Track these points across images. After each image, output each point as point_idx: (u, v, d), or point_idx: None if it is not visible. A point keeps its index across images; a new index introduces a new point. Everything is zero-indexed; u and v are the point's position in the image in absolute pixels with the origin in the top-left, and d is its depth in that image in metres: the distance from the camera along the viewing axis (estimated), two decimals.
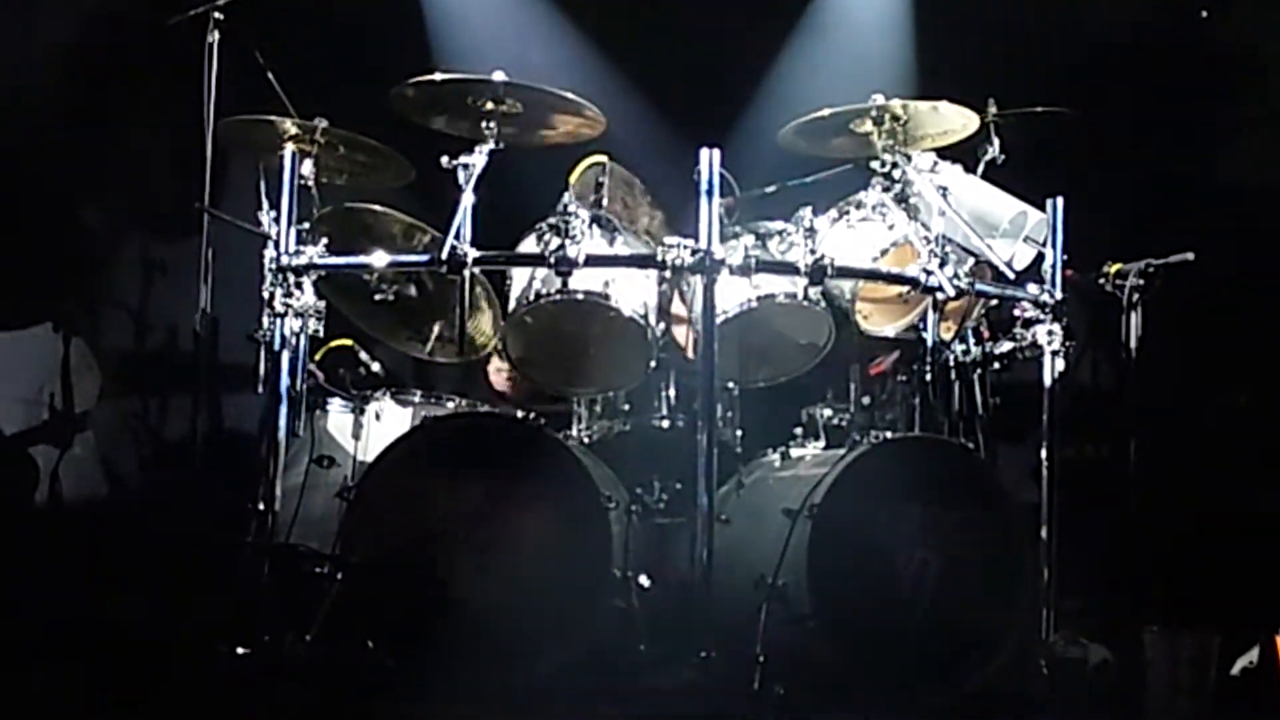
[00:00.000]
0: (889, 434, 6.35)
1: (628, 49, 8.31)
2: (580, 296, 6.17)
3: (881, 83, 6.48)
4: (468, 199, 5.99)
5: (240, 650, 5.71)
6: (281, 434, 6.07)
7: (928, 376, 6.63)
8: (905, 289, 6.35)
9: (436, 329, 6.72)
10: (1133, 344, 6.61)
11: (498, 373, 7.18)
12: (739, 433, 6.70)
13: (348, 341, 6.70)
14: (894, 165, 6.36)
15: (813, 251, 6.09)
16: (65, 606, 6.61)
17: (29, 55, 7.65)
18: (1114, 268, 6.73)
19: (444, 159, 6.08)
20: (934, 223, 6.21)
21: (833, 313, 6.40)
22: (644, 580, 6.30)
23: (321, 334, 6.23)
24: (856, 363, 6.87)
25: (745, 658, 5.85)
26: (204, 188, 6.69)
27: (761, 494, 6.44)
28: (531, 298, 6.20)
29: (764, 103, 8.18)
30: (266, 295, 6.09)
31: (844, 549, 5.95)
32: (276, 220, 6.15)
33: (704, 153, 5.93)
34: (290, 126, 6.52)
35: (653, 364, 6.33)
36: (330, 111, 6.56)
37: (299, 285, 6.09)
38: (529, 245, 6.20)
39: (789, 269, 6.13)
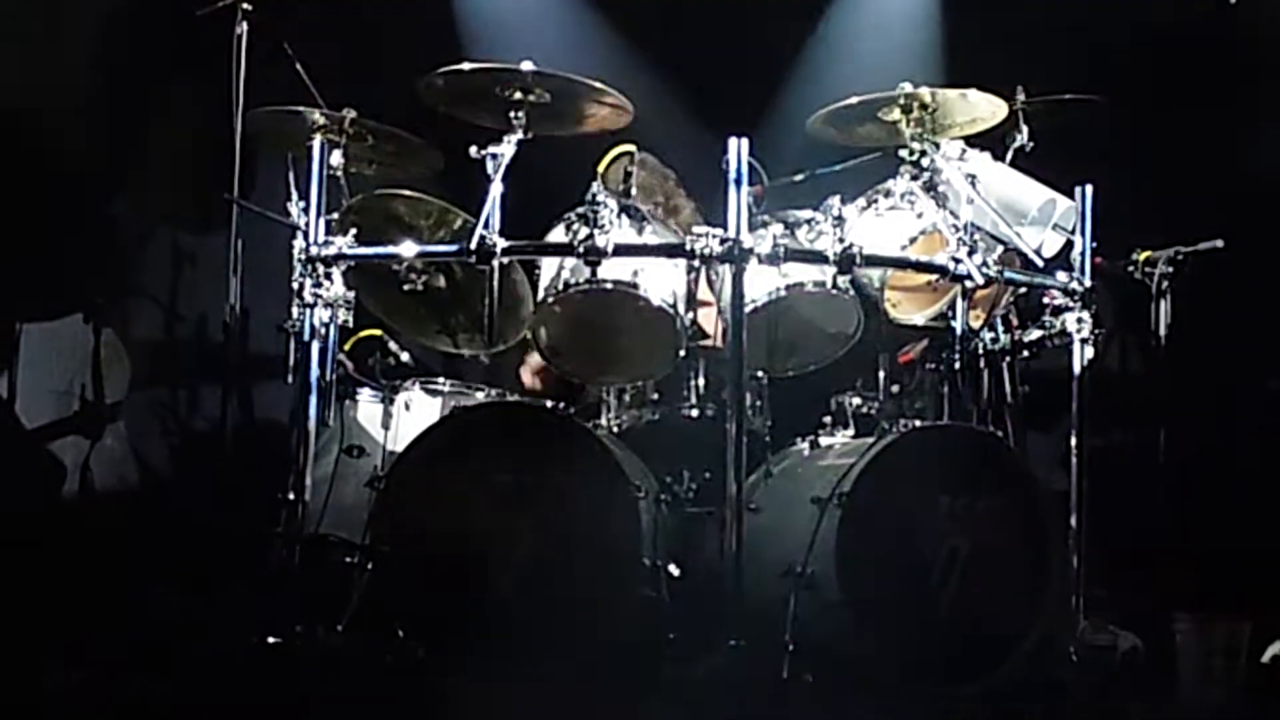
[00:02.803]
0: (918, 422, 6.35)
1: (656, 38, 8.31)
2: (609, 286, 6.18)
3: (910, 70, 6.47)
4: (496, 189, 6.00)
5: (271, 640, 5.74)
6: (311, 424, 6.08)
7: (956, 365, 6.63)
8: (934, 277, 6.34)
9: (464, 319, 6.72)
10: (1162, 331, 6.61)
11: (530, 372, 7.21)
12: (768, 421, 6.70)
13: (377, 331, 6.71)
14: (922, 153, 6.34)
15: (841, 240, 6.08)
16: (96, 596, 6.64)
17: (57, 47, 7.65)
18: (1143, 255, 6.73)
19: (472, 149, 6.09)
20: (962, 211, 6.20)
21: (861, 301, 6.40)
22: (673, 569, 6.33)
23: (351, 324, 6.24)
24: (885, 351, 6.87)
25: (774, 646, 5.87)
26: (233, 179, 6.70)
27: (790, 483, 6.44)
28: (560, 287, 6.21)
29: (792, 91, 8.19)
30: (296, 286, 6.10)
31: (873, 537, 5.95)
32: (305, 211, 6.16)
33: (732, 141, 5.93)
34: (319, 117, 6.53)
35: (682, 353, 6.34)
36: (358, 102, 6.57)
37: (328, 276, 6.10)
38: (558, 235, 6.20)
39: (818, 258, 6.12)
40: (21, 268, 7.47)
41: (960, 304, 6.45)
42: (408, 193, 6.58)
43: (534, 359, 7.19)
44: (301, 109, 6.56)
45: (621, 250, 6.03)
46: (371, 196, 6.55)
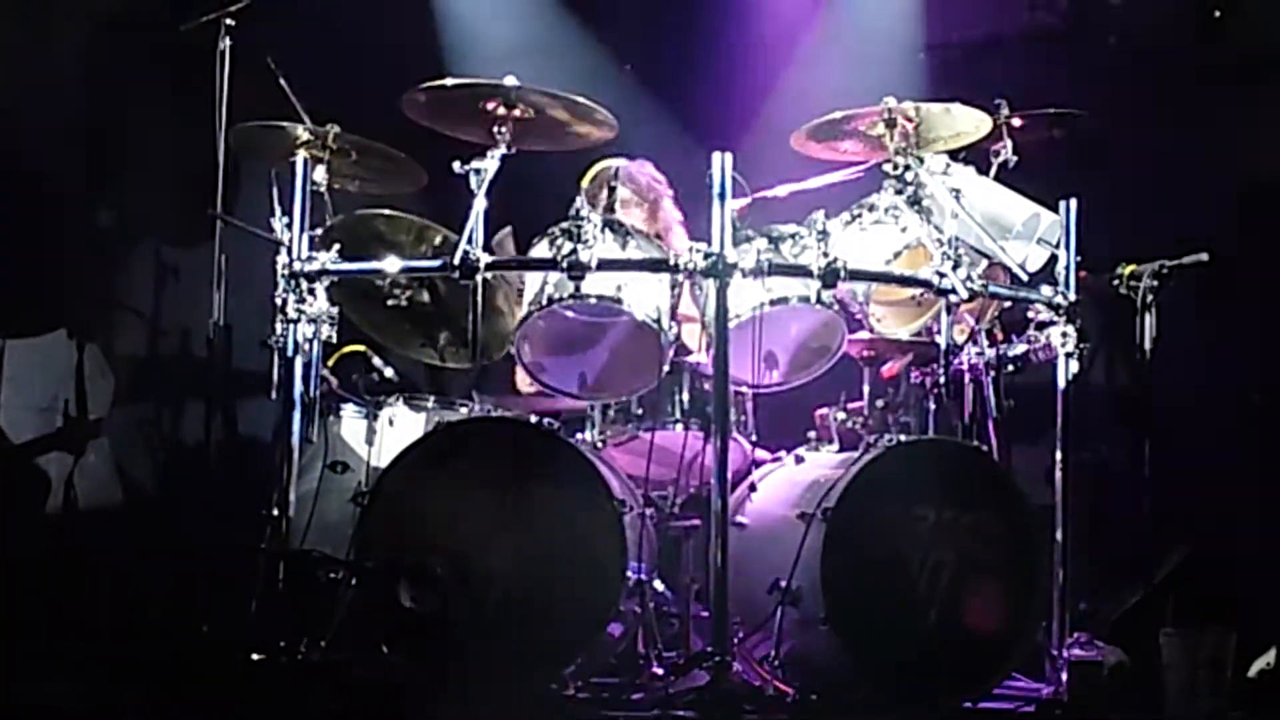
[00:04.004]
0: (902, 437, 6.34)
1: (639, 53, 8.32)
2: (593, 301, 6.17)
3: (893, 85, 6.48)
4: (480, 204, 6.00)
5: (256, 656, 5.72)
6: (295, 440, 6.08)
7: (941, 379, 6.62)
8: (918, 291, 6.34)
9: (448, 334, 6.72)
10: (1147, 345, 6.60)
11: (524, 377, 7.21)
12: (752, 436, 6.70)
13: (361, 347, 6.71)
14: (906, 168, 6.34)
15: (825, 254, 6.08)
16: (80, 613, 6.62)
17: (42, 61, 7.64)
18: (1128, 269, 6.72)
19: (456, 164, 6.09)
20: (947, 225, 6.20)
21: (846, 316, 6.39)
22: (658, 584, 6.32)
23: (335, 340, 6.23)
24: (870, 366, 6.87)
25: (760, 661, 5.85)
26: (217, 194, 6.69)
27: (775, 497, 6.43)
28: (544, 302, 6.20)
29: (776, 106, 8.19)
30: (279, 301, 6.09)
31: (858, 552, 5.94)
32: (289, 226, 6.15)
33: (716, 156, 5.93)
34: (302, 132, 6.52)
35: (665, 368, 6.33)
36: (342, 117, 6.56)
37: (312, 291, 6.09)
38: (541, 250, 6.19)
39: (802, 272, 6.12)
40: (4, 282, 7.45)
41: (945, 318, 6.43)
42: (388, 211, 6.57)
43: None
44: (285, 124, 6.55)
45: (605, 265, 6.02)
46: (353, 215, 6.54)
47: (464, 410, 6.70)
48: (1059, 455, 6.27)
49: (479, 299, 6.13)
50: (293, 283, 6.07)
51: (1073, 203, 6.35)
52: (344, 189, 6.70)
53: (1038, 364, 6.49)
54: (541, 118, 6.31)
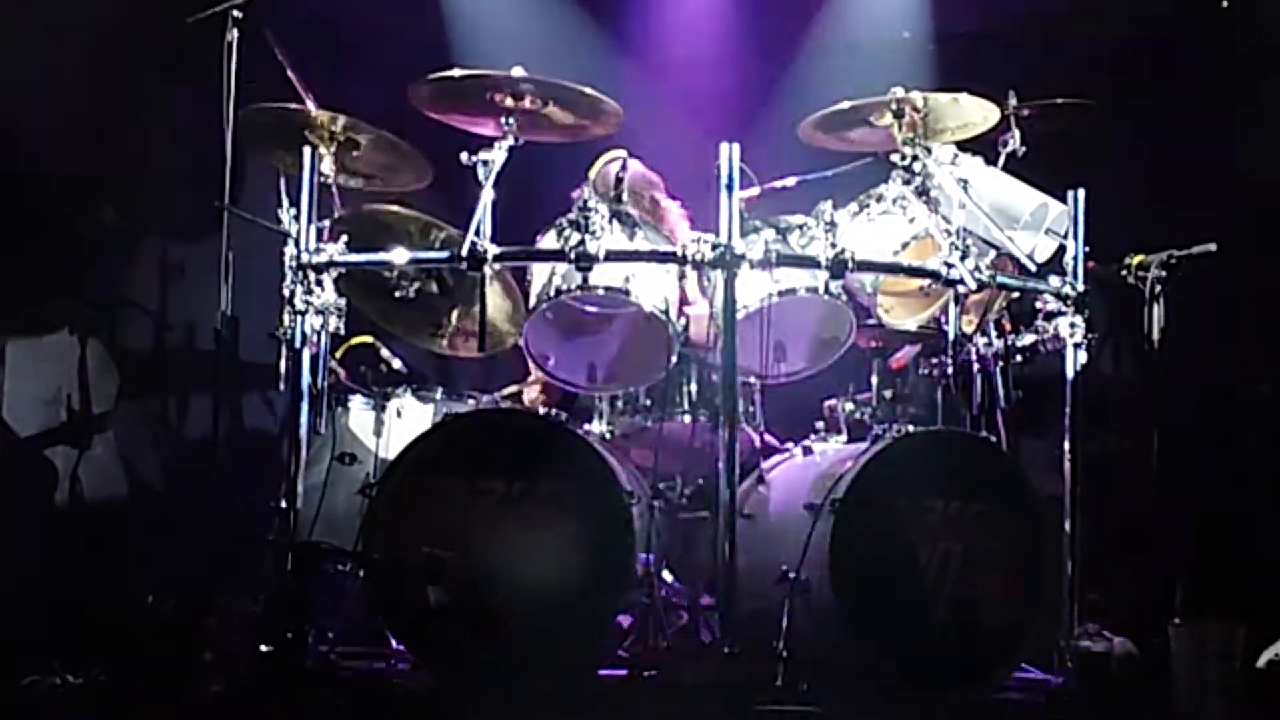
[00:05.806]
0: (911, 428, 6.34)
1: (646, 43, 8.31)
2: (601, 292, 6.16)
3: (901, 75, 6.46)
4: (487, 195, 5.99)
5: (264, 648, 5.72)
6: (303, 432, 6.08)
7: (949, 370, 6.63)
8: (926, 282, 6.33)
9: (454, 320, 6.70)
10: (1155, 335, 6.59)
11: (530, 399, 7.21)
12: (761, 427, 6.69)
13: (368, 339, 6.70)
14: (914, 158, 6.33)
15: (833, 245, 6.08)
16: (87, 606, 6.62)
17: (47, 55, 7.63)
18: (1136, 259, 6.71)
19: (463, 155, 6.08)
20: (955, 215, 6.19)
21: (854, 306, 6.39)
22: (667, 575, 6.31)
23: (342, 331, 6.22)
24: (878, 356, 6.86)
25: (768, 652, 5.85)
26: (223, 187, 6.68)
27: (784, 489, 6.43)
28: (552, 294, 6.19)
29: (784, 96, 8.18)
30: (287, 293, 6.09)
31: (866, 543, 5.94)
32: (296, 218, 6.14)
33: (723, 147, 5.93)
34: (310, 123, 6.51)
35: (674, 359, 6.32)
36: (350, 109, 6.55)
37: (319, 283, 6.09)
38: (549, 241, 6.18)
39: (810, 263, 6.12)
40: (7, 276, 7.44)
41: (953, 309, 6.42)
42: (394, 207, 6.55)
43: (534, 387, 7.18)
44: (293, 111, 6.54)
45: (613, 256, 6.02)
46: (359, 210, 6.53)
47: (471, 402, 6.70)
48: (1067, 446, 6.28)
49: (486, 290, 6.13)
50: (300, 274, 6.07)
51: (1080, 193, 6.35)
52: (350, 182, 6.69)
53: (1046, 354, 6.49)
54: (549, 109, 6.30)
